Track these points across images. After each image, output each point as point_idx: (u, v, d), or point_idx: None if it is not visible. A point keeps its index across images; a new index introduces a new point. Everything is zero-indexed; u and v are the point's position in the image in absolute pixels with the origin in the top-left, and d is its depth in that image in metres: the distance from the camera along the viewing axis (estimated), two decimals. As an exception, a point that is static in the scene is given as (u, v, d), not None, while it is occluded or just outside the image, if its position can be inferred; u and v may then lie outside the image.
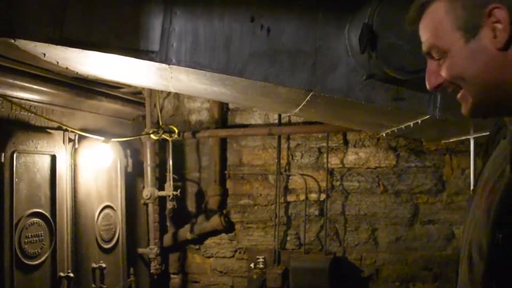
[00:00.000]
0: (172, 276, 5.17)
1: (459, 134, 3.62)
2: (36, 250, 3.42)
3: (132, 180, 4.69)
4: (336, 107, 3.06)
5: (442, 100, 2.58)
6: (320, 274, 4.42)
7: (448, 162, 4.37)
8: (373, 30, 2.30)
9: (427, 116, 2.65)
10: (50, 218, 3.55)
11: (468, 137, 3.54)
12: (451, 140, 4.02)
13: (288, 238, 4.81)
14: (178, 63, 2.45)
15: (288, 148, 4.82)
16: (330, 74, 2.53)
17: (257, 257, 4.78)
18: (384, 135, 3.93)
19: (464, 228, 1.46)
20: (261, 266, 4.74)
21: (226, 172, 5.00)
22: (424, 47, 1.31)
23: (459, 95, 1.30)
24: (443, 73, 1.28)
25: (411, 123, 2.98)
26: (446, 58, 1.26)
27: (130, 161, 4.53)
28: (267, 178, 4.90)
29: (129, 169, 4.53)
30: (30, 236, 3.37)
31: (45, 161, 3.56)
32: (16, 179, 3.25)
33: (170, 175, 4.72)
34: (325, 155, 4.66)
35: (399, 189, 4.44)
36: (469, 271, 1.29)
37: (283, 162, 4.82)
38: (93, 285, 3.91)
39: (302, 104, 2.92)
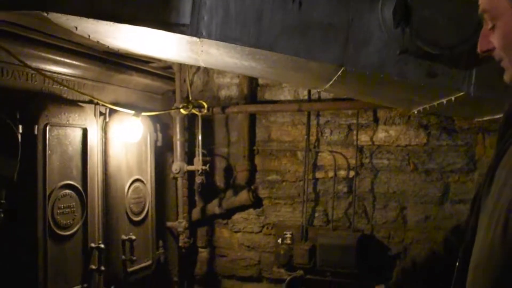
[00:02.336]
0: (200, 249, 5.23)
1: (493, 112, 3.53)
2: (68, 221, 3.49)
3: (162, 155, 4.74)
4: (368, 83, 3.01)
5: (477, 77, 2.52)
6: (347, 251, 4.41)
7: (480, 141, 4.27)
8: (407, 3, 2.25)
9: (461, 93, 2.59)
10: (81, 190, 3.61)
11: (503, 115, 3.45)
12: (484, 119, 3.93)
13: (316, 214, 4.80)
14: (209, 37, 2.44)
15: (318, 124, 4.78)
16: (362, 49, 2.48)
17: (285, 233, 4.79)
18: (415, 112, 3.86)
19: (490, 196, 1.46)
20: (289, 242, 4.75)
21: (254, 147, 5.00)
22: (479, 9, 1.33)
23: (503, 62, 1.31)
24: (493, 40, 1.28)
25: (444, 100, 2.92)
26: (496, 26, 1.26)
27: (159, 135, 4.57)
28: (296, 155, 4.89)
29: (159, 144, 4.57)
30: (62, 207, 3.44)
31: (77, 134, 3.60)
32: (49, 151, 3.30)
33: (199, 150, 4.74)
34: (354, 132, 4.61)
35: (430, 168, 4.37)
36: (504, 235, 1.31)
37: (312, 138, 4.79)
38: (123, 257, 3.98)
39: (333, 80, 2.89)
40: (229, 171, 5.10)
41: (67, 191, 3.50)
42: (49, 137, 3.30)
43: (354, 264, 4.38)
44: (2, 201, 2.92)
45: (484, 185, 1.55)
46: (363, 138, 4.61)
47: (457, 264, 1.62)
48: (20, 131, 3.06)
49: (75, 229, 3.55)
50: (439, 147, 4.35)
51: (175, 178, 4.75)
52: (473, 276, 1.45)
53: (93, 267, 3.68)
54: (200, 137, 4.76)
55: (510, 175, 1.38)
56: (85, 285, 3.61)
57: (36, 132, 3.21)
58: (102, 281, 3.75)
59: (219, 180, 5.14)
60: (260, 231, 5.05)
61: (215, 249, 5.21)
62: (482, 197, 1.54)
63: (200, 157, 4.71)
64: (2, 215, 2.94)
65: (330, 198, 4.71)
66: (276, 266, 4.91)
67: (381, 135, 4.56)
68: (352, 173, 4.64)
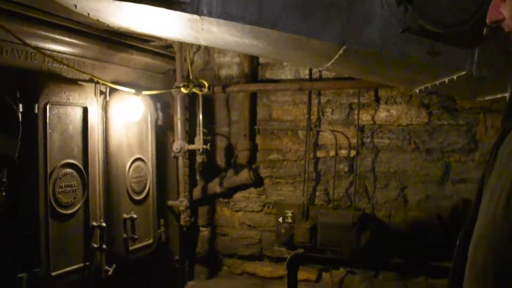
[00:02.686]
0: (201, 228, 5.26)
1: (495, 92, 3.50)
2: (70, 200, 3.50)
3: (162, 134, 4.73)
4: (369, 62, 2.99)
5: (479, 56, 2.49)
6: (348, 230, 4.43)
7: (482, 120, 4.27)
8: (410, -19, 2.22)
9: (463, 73, 2.57)
10: (82, 169, 3.61)
11: (505, 95, 3.43)
12: (486, 98, 3.90)
13: (317, 193, 4.82)
14: (210, 14, 2.41)
15: (319, 103, 4.77)
16: (364, 27, 2.46)
17: (286, 212, 4.81)
18: (417, 91, 3.83)
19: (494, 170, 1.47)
20: (290, 221, 4.76)
21: (255, 127, 4.99)
22: None
23: None
24: (504, 11, 1.28)
25: (446, 80, 2.90)
26: None
27: (160, 114, 4.56)
28: (297, 134, 4.88)
29: (160, 123, 4.56)
30: (63, 186, 3.45)
31: (77, 113, 3.60)
32: (50, 130, 3.30)
33: (200, 129, 4.73)
34: (356, 112, 4.60)
35: (431, 147, 4.37)
36: (506, 208, 1.32)
37: (313, 117, 4.78)
38: (125, 235, 4.00)
39: (334, 58, 2.86)
40: (230, 150, 5.10)
41: (68, 170, 3.50)
42: (49, 116, 3.29)
43: (355, 243, 4.40)
44: (3, 180, 2.92)
45: (488, 163, 1.56)
46: (364, 117, 4.60)
47: (456, 245, 1.62)
48: (21, 110, 3.05)
49: (76, 207, 3.56)
50: (440, 126, 4.34)
51: (176, 157, 4.75)
52: (475, 251, 1.45)
53: (95, 245, 3.71)
54: (201, 116, 4.75)
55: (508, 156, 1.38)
56: (87, 263, 3.64)
57: (36, 111, 3.20)
58: (104, 259, 3.77)
59: (220, 160, 5.14)
60: (261, 210, 5.07)
61: (216, 228, 5.24)
62: (486, 175, 1.54)
63: (201, 136, 4.70)
64: (3, 194, 2.94)
65: (331, 177, 4.71)
66: (277, 245, 4.95)
67: (382, 114, 4.55)
68: (353, 153, 4.64)
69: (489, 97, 3.79)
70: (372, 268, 4.53)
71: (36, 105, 3.19)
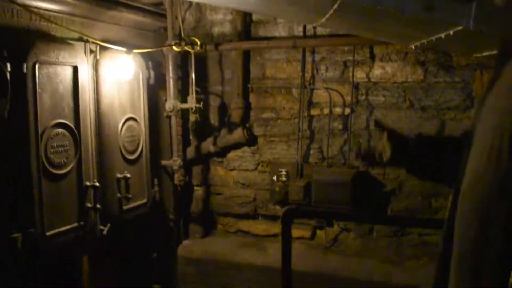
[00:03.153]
0: (195, 188, 5.26)
1: (492, 48, 3.46)
2: (62, 160, 3.48)
3: (155, 93, 4.68)
4: (365, 17, 2.92)
5: (476, 10, 2.43)
6: (342, 187, 4.43)
7: (478, 77, 4.21)
8: None
9: (460, 28, 2.51)
10: (74, 128, 3.58)
11: (502, 50, 3.38)
12: (483, 55, 3.86)
13: (311, 152, 4.80)
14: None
15: (313, 61, 4.70)
16: (359, -20, 2.39)
17: (280, 170, 4.81)
18: (413, 48, 3.77)
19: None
20: (284, 179, 4.77)
21: (249, 85, 4.93)
22: None
23: None
24: None
25: (443, 35, 2.84)
26: None
27: (152, 73, 4.49)
28: (291, 92, 4.83)
29: (151, 82, 4.50)
30: (55, 146, 3.42)
31: (67, 72, 3.54)
32: (39, 90, 3.25)
33: (192, 88, 4.67)
34: (350, 69, 4.54)
35: (426, 105, 4.33)
36: (489, 162, 1.34)
37: (307, 75, 4.73)
38: (118, 195, 4.00)
39: (329, 13, 2.79)
40: (223, 109, 5.06)
41: (60, 130, 3.47)
42: (38, 76, 3.24)
43: (349, 201, 4.41)
44: (-7, 141, 2.88)
45: (475, 117, 1.57)
46: (359, 75, 4.54)
47: (450, 200, 1.63)
48: (9, 69, 2.99)
49: (69, 168, 3.55)
50: (436, 83, 4.29)
51: (169, 117, 4.71)
52: (462, 201, 1.49)
53: (89, 205, 3.71)
54: (193, 75, 4.68)
55: (497, 100, 1.40)
56: (82, 222, 3.64)
57: (25, 70, 3.14)
58: (98, 218, 3.78)
59: (214, 119, 5.10)
60: (255, 169, 5.06)
61: (210, 187, 5.24)
62: (474, 127, 1.55)
63: (194, 95, 4.65)
64: (-6, 155, 2.91)
65: (325, 135, 4.69)
66: (271, 203, 4.96)
67: (377, 71, 4.49)
68: (347, 110, 4.60)
69: (486, 53, 3.75)
70: (368, 221, 4.55)
71: (25, 64, 3.13)
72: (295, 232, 4.56)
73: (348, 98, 4.57)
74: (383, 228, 4.59)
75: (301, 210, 2.88)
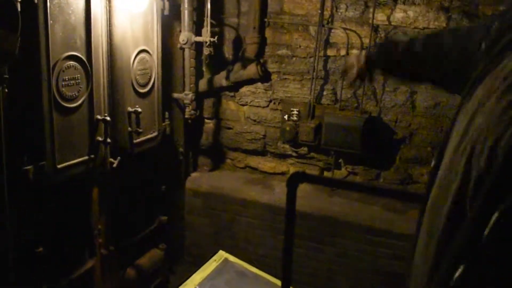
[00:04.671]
0: (206, 120, 5.26)
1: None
2: (74, 93, 3.45)
3: (169, 24, 4.55)
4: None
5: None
6: (353, 131, 4.41)
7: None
8: None
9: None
10: (86, 61, 3.51)
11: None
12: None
13: (324, 93, 4.74)
14: None
15: (333, -2, 4.54)
16: None
17: (292, 109, 4.78)
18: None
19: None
20: (295, 118, 4.75)
21: (265, 19, 4.80)
22: None
23: None
24: None
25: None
26: None
27: (166, 4, 4.34)
28: (308, 30, 4.70)
29: (166, 12, 4.36)
30: (67, 79, 3.37)
31: (79, 2, 3.42)
32: (51, 21, 3.16)
33: (207, 20, 4.54)
34: (371, 10, 4.38)
35: (446, 53, 4.21)
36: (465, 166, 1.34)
37: (326, 13, 4.57)
38: (129, 129, 3.99)
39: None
40: (238, 43, 4.95)
41: (72, 62, 3.40)
42: (50, 6, 3.13)
43: (359, 145, 4.40)
44: (5, 76, 2.84)
45: (462, 101, 1.55)
46: (380, 17, 4.39)
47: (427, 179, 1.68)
48: (19, 0, 2.89)
49: (80, 101, 3.51)
50: (459, 32, 4.14)
51: (182, 49, 4.61)
52: (434, 197, 1.52)
53: (100, 138, 3.71)
54: (209, 6, 4.53)
55: (484, 101, 1.31)
56: (92, 156, 3.66)
57: (36, 1, 3.04)
58: (109, 152, 3.80)
59: (228, 52, 5.01)
60: (267, 106, 5.02)
61: (221, 121, 5.23)
62: (459, 111, 1.53)
63: (209, 28, 4.52)
64: (6, 90, 2.88)
65: (340, 78, 4.60)
66: (281, 142, 4.97)
67: (398, 15, 4.33)
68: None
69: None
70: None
71: (35, -6, 3.03)
72: (303, 173, 4.59)
73: (366, 41, 4.45)
74: (390, 175, 4.60)
75: (307, 175, 2.86)
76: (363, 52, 2.26)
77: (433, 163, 1.68)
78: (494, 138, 1.28)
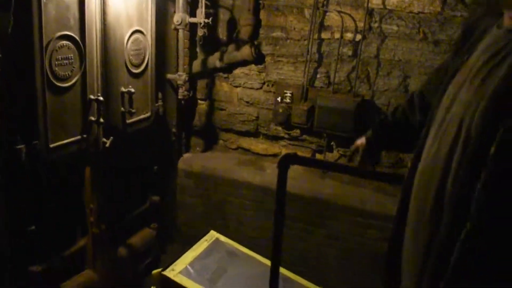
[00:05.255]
0: (199, 101, 5.26)
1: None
2: (66, 73, 3.44)
3: (163, 5, 4.53)
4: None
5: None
6: (346, 114, 4.43)
7: (498, 14, 4.07)
8: None
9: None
10: (79, 41, 3.50)
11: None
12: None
13: (318, 75, 4.74)
14: None
15: (328, -19, 4.52)
16: None
17: (285, 91, 4.78)
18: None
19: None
20: (288, 100, 4.76)
21: (260, 1, 4.78)
22: None
23: None
24: None
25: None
26: None
27: (161, -17, 4.33)
28: (303, 12, 4.69)
29: (160, -8, 4.35)
30: (60, 58, 3.36)
31: (73, -19, 3.41)
32: (44, 0, 3.14)
33: (202, 1, 4.52)
34: (366, -7, 4.38)
35: (439, 39, 4.22)
36: (449, 148, 1.48)
37: (321, -4, 4.57)
38: (122, 109, 3.99)
39: None
40: (232, 24, 4.93)
41: (65, 42, 3.39)
42: (43, -15, 3.12)
43: (351, 128, 4.43)
44: (-2, 55, 2.84)
45: (436, 96, 1.65)
46: (375, 0, 4.38)
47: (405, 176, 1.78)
48: (12, -22, 2.88)
49: (73, 81, 3.51)
50: (453, 18, 4.15)
51: (176, 30, 4.60)
52: (419, 181, 1.66)
53: (92, 118, 3.71)
54: (204, -13, 4.52)
55: (459, 92, 1.49)
56: (85, 135, 3.67)
57: (29, -21, 3.03)
58: (101, 132, 3.81)
59: (222, 33, 4.99)
60: (260, 88, 5.03)
61: (214, 102, 5.24)
62: (433, 107, 1.65)
63: (203, 9, 4.51)
64: (-1, 69, 2.89)
65: (334, 61, 4.61)
66: (273, 124, 4.98)
67: (393, -1, 4.33)
68: (359, 37, 4.49)
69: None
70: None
71: (29, -28, 3.01)
72: (295, 155, 4.61)
73: (361, 24, 4.45)
74: (381, 159, 4.63)
75: (298, 157, 2.90)
76: (364, 137, 2.44)
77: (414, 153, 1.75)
78: (471, 112, 1.36)
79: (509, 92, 1.32)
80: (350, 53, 4.57)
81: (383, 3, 4.36)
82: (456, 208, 1.41)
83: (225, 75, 5.10)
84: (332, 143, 4.78)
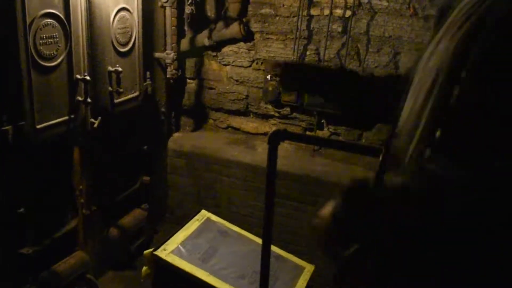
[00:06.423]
0: (188, 80, 5.21)
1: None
2: (52, 52, 3.38)
3: (150, -19, 4.46)
4: None
5: None
6: (335, 92, 4.40)
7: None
8: None
9: None
10: (64, 19, 3.43)
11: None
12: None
13: (308, 53, 4.70)
14: None
15: (317, -44, 4.46)
16: None
17: (274, 69, 4.74)
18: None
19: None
20: (278, 78, 4.72)
21: (249, -23, 4.72)
22: None
23: None
24: None
25: None
26: None
27: (146, -41, 4.24)
28: (292, -12, 4.63)
29: (146, -31, 4.26)
30: (44, 37, 3.30)
31: (56, -42, 3.33)
32: (26, -23, 3.07)
33: (189, -22, 4.46)
34: (355, -32, 4.32)
35: (430, 14, 4.17)
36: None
37: (311, -29, 4.50)
38: (110, 88, 3.94)
39: None
40: (220, 1, 4.86)
41: (49, 20, 3.32)
42: (26, -39, 3.04)
43: (341, 106, 4.40)
44: (-21, 34, 2.77)
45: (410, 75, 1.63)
46: (364, -25, 4.34)
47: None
48: (-7, -46, 2.80)
49: (59, 60, 3.45)
50: (443, -8, 4.11)
51: (164, 7, 4.53)
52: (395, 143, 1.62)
53: (80, 98, 3.66)
54: (191, -37, 4.44)
55: (437, 47, 1.48)
56: (72, 116, 3.62)
57: (11, -45, 2.95)
58: (89, 112, 3.75)
59: (210, 11, 4.92)
60: (250, 66, 4.98)
61: (203, 81, 5.19)
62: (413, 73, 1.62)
63: (191, -14, 4.44)
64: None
65: (323, 37, 4.57)
66: (263, 102, 4.95)
67: (383, -26, 4.28)
68: (348, 13, 4.44)
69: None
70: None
71: None
72: (285, 133, 4.59)
73: (350, 0, 4.40)
74: (371, 135, 4.63)
75: (288, 133, 2.87)
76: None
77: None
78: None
79: (480, 28, 1.29)
80: (340, 29, 4.53)
81: (373, -22, 4.31)
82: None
83: (214, 53, 5.05)
84: (322, 121, 4.76)
